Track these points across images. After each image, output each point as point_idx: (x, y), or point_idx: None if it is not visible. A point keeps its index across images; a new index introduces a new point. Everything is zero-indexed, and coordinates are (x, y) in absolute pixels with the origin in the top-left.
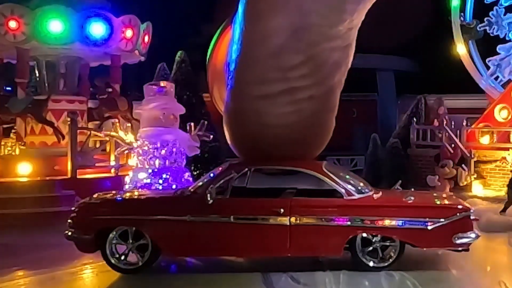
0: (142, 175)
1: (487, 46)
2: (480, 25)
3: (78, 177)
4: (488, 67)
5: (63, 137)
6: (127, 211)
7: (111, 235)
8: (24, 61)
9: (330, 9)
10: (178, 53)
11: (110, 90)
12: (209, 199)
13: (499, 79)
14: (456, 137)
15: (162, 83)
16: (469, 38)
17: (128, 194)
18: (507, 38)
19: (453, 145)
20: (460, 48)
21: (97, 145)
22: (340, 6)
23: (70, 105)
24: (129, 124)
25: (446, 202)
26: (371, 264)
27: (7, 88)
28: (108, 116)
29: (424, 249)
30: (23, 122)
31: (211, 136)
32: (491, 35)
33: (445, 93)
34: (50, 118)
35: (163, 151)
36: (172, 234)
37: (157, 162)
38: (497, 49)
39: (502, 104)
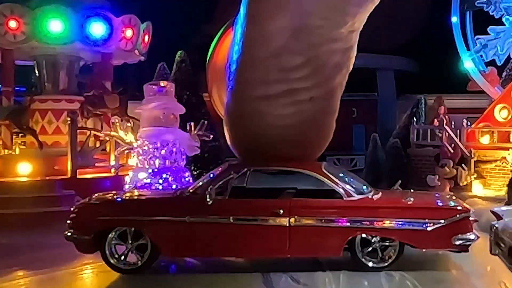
0: (142, 175)
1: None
2: (478, 1)
3: (78, 177)
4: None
5: (41, 147)
6: (126, 211)
7: (110, 235)
8: (9, 66)
9: (332, 11)
10: (178, 53)
11: (96, 88)
12: (208, 199)
13: (481, 58)
14: (456, 137)
15: (162, 83)
16: (467, 8)
17: (127, 194)
18: (503, 19)
19: (453, 145)
20: (454, 18)
21: (97, 145)
22: (342, 9)
23: (70, 105)
24: (129, 124)
25: (446, 203)
26: (370, 264)
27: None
28: (96, 113)
29: (424, 250)
30: (7, 130)
31: (211, 136)
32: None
33: (445, 93)
34: (50, 118)
35: (163, 151)
36: (171, 234)
37: (157, 162)
38: (487, 30)
39: (502, 104)
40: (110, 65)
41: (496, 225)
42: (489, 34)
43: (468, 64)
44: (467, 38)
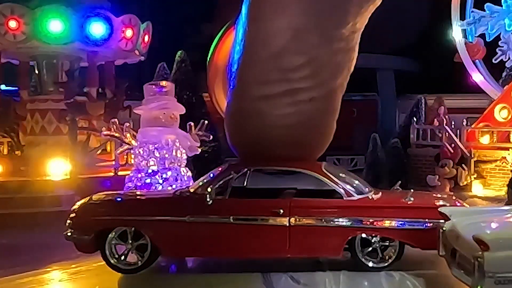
0: (142, 175)
1: None
2: None
3: (78, 177)
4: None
5: (22, 150)
6: (126, 211)
7: (110, 235)
8: None
9: (334, 11)
10: (178, 53)
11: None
12: (208, 199)
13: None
14: (456, 137)
15: (162, 83)
16: None
17: (127, 194)
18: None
19: (453, 145)
20: None
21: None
22: (343, 9)
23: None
24: (128, 124)
25: (446, 203)
26: (370, 264)
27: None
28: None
29: (424, 250)
30: None
31: (211, 136)
32: None
33: (445, 93)
34: (50, 118)
35: (163, 151)
36: (171, 234)
37: (156, 162)
38: (484, 6)
39: (502, 104)
40: (95, 70)
41: (444, 227)
42: (485, 11)
43: (457, 34)
44: (465, 8)
